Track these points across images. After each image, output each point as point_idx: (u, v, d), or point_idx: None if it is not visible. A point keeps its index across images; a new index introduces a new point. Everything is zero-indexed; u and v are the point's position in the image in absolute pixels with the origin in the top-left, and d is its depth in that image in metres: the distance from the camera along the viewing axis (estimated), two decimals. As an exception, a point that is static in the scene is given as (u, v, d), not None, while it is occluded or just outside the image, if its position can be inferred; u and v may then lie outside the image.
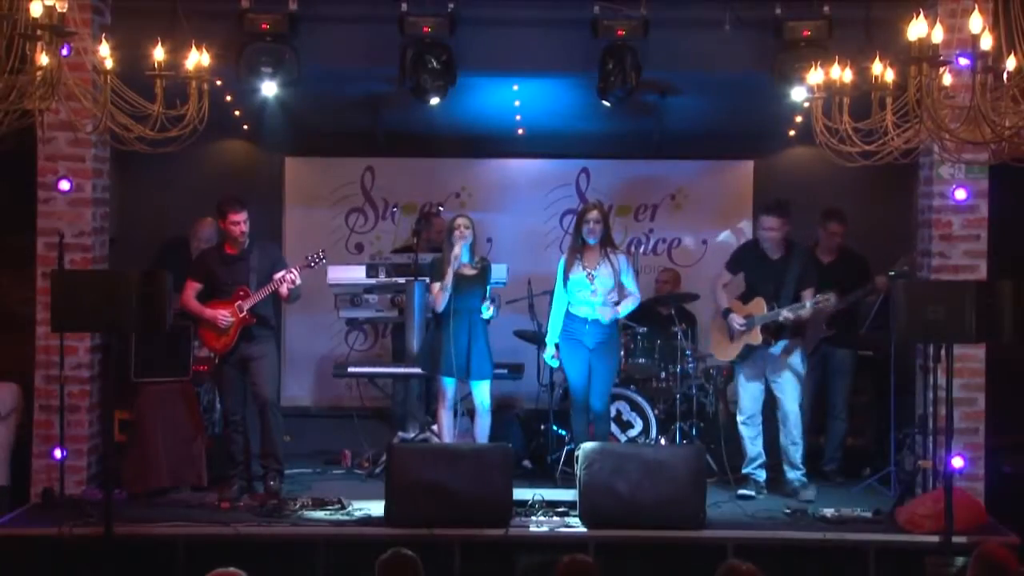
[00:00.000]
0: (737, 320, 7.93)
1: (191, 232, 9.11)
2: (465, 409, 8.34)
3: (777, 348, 7.94)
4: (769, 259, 8.00)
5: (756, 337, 7.89)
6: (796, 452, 7.96)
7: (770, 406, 8.11)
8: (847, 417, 8.65)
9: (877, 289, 8.42)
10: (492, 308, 7.91)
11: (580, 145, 10.17)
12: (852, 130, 5.06)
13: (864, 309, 8.57)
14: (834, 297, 7.75)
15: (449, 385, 8.00)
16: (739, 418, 8.08)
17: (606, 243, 8.00)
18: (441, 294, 7.88)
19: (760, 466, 8.06)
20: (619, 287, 7.98)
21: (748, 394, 8.06)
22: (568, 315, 8.01)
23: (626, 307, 8.00)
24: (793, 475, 7.97)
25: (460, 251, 7.87)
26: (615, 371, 8.22)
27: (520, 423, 9.09)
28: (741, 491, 7.94)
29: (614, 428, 8.39)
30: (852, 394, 8.84)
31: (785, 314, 7.77)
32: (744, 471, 8.09)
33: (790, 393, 7.95)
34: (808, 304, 7.74)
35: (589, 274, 7.92)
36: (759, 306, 7.91)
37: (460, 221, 7.98)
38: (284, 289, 7.79)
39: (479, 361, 7.92)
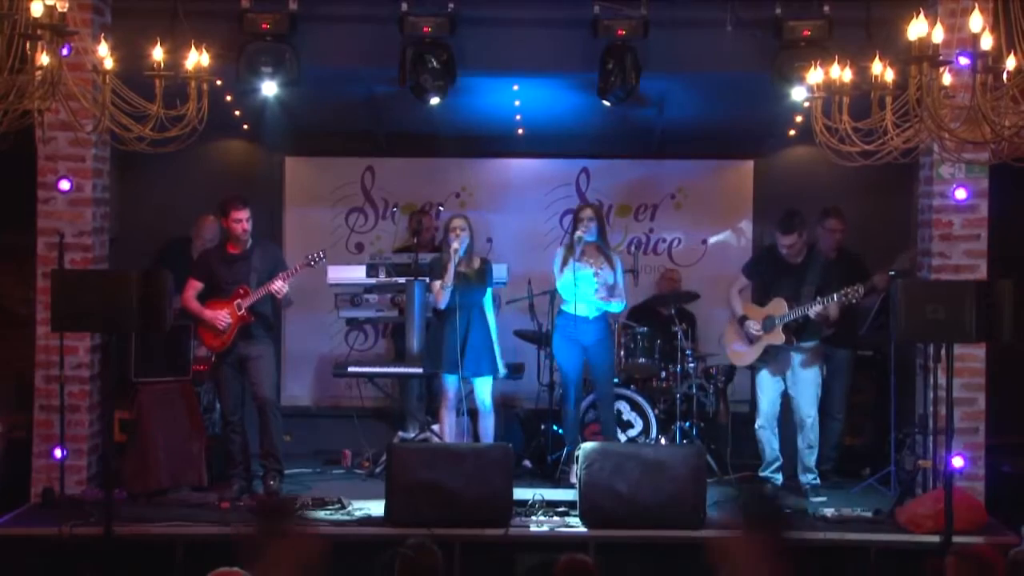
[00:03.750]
0: (754, 327, 7.95)
1: (194, 230, 9.10)
2: (467, 409, 8.34)
3: (799, 349, 7.94)
4: (788, 263, 7.99)
5: (779, 337, 7.87)
6: (811, 456, 7.98)
7: (783, 408, 8.11)
8: (844, 417, 8.65)
9: (876, 288, 8.42)
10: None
11: (580, 145, 10.16)
12: (852, 130, 5.06)
13: (863, 309, 8.56)
14: (862, 289, 7.68)
15: (451, 384, 8.01)
16: (757, 421, 8.08)
17: (603, 242, 8.11)
18: (442, 292, 7.93)
19: (777, 469, 8.08)
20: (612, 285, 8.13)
21: (766, 397, 8.07)
22: (562, 314, 8.12)
23: (611, 306, 8.10)
24: (806, 478, 7.99)
25: (459, 246, 7.91)
26: (613, 360, 8.32)
27: (520, 423, 9.10)
28: None
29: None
30: (852, 394, 8.85)
31: (815, 308, 7.73)
32: (761, 474, 8.11)
33: (809, 397, 7.95)
34: (836, 296, 7.68)
35: (597, 272, 8.01)
36: (779, 306, 7.90)
37: (456, 223, 8.05)
38: (277, 292, 7.79)
39: (475, 357, 7.94)
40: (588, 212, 8.16)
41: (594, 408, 8.53)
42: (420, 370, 8.43)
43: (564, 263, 8.07)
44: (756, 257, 8.44)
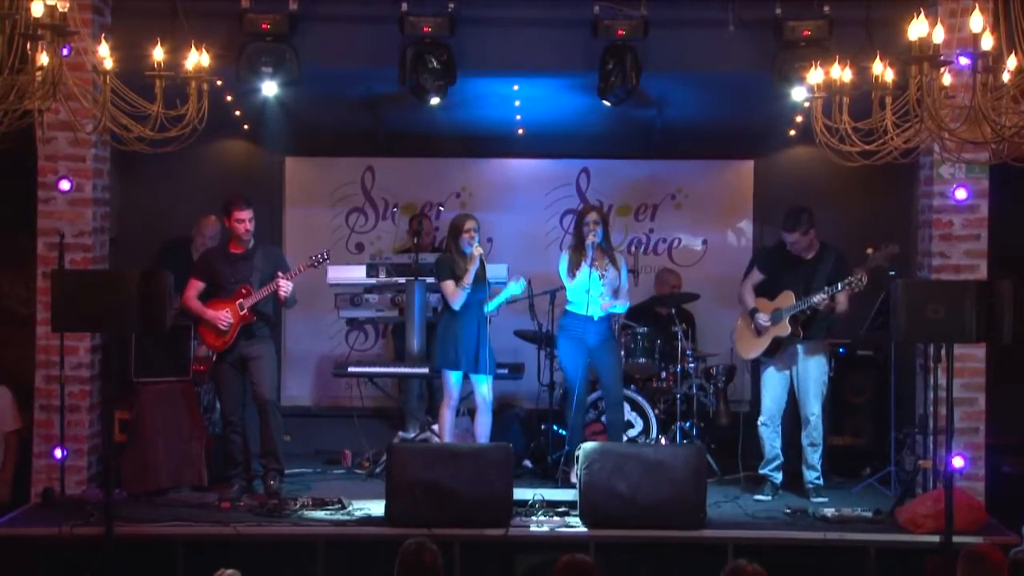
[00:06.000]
0: (763, 318, 7.93)
1: (196, 230, 9.11)
2: (465, 409, 8.35)
3: (804, 343, 7.90)
4: (798, 258, 7.97)
5: (785, 328, 7.85)
6: (815, 454, 7.96)
7: (788, 407, 8.08)
8: (827, 417, 8.60)
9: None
10: (521, 279, 7.99)
11: (580, 145, 10.16)
12: (852, 130, 5.06)
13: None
14: (865, 276, 7.61)
15: (455, 382, 8.01)
16: (760, 419, 8.06)
17: (607, 244, 8.11)
18: (459, 292, 7.93)
19: (777, 468, 8.06)
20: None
21: (770, 395, 8.05)
22: (568, 314, 8.13)
23: (616, 307, 8.14)
24: (810, 476, 7.98)
25: (479, 252, 7.94)
26: (621, 362, 8.31)
27: (520, 423, 9.10)
28: (757, 496, 7.95)
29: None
30: (850, 394, 8.84)
31: (821, 297, 7.69)
32: (761, 471, 8.09)
33: (813, 394, 7.94)
34: (840, 285, 7.62)
35: (603, 274, 8.02)
36: (787, 299, 7.88)
37: (470, 223, 8.03)
38: (281, 292, 7.79)
39: (486, 355, 7.97)
40: (594, 215, 8.13)
41: (594, 408, 8.53)
42: (420, 370, 8.43)
43: (575, 267, 8.07)
44: (770, 249, 8.40)
